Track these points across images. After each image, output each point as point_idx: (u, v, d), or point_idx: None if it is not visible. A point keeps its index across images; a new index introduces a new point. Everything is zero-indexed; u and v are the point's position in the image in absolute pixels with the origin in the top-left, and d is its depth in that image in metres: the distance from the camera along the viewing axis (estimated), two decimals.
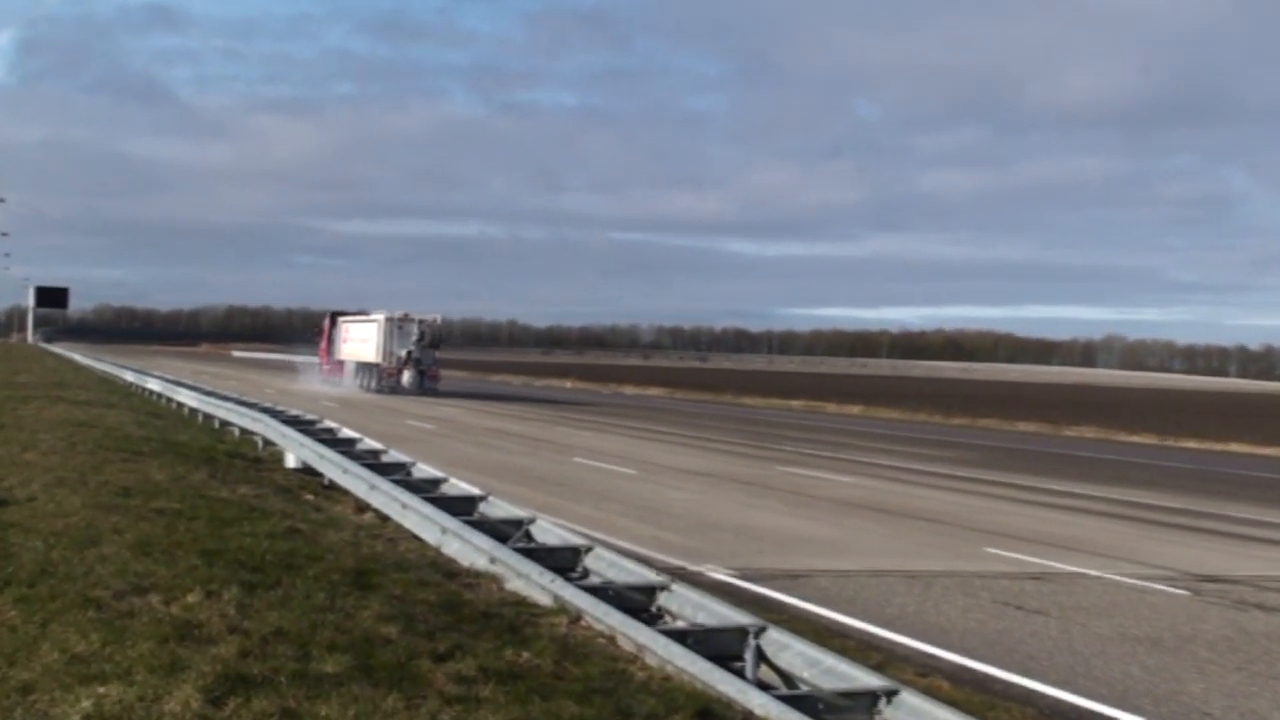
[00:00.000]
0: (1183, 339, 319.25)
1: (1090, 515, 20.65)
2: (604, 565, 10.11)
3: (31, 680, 5.98)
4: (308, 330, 77.67)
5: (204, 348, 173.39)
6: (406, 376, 56.30)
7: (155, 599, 7.66)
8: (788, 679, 7.42)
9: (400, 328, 57.22)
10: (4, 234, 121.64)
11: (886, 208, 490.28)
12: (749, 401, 68.65)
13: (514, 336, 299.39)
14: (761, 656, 7.63)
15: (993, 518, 19.18)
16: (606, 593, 8.91)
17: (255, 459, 19.19)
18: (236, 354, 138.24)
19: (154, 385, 37.16)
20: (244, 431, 22.62)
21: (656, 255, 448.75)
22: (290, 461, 18.18)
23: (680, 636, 7.70)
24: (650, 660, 7.50)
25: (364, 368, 59.18)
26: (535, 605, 8.96)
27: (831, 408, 63.20)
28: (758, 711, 6.43)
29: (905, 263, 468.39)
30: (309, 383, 62.89)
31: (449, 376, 70.15)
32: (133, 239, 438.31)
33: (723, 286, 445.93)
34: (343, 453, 16.36)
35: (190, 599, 7.67)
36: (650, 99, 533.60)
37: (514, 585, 9.54)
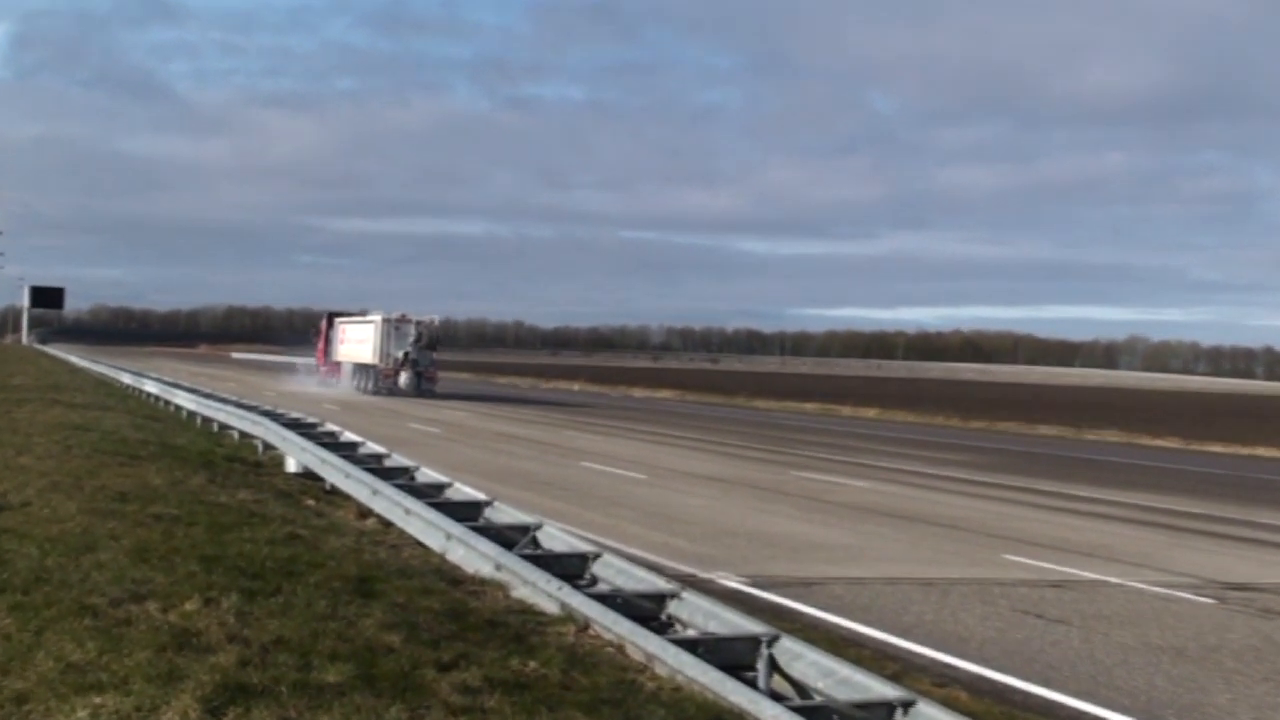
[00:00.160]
0: (1207, 340, 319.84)
1: (1113, 521, 20.60)
2: (612, 572, 10.12)
3: (26, 690, 6.00)
4: (308, 331, 77.91)
5: (202, 349, 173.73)
6: (403, 378, 56.69)
7: (153, 606, 7.68)
8: (801, 689, 7.41)
9: (397, 329, 57.62)
10: None
11: (903, 205, 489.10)
12: (761, 404, 68.62)
13: (520, 338, 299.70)
14: (774, 666, 7.62)
15: (1012, 523, 19.15)
16: (615, 600, 8.91)
17: (255, 463, 19.22)
18: (236, 356, 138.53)
19: (151, 387, 37.25)
20: (243, 435, 22.68)
21: (666, 254, 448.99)
22: (291, 466, 18.22)
23: (691, 646, 7.70)
24: (660, 670, 7.49)
25: (361, 369, 59.66)
26: (542, 613, 8.96)
27: (846, 410, 63.13)
28: None
29: (922, 261, 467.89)
30: (306, 384, 63.20)
31: (453, 379, 70.28)
32: (130, 238, 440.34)
33: (734, 286, 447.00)
34: (345, 457, 16.39)
35: (189, 606, 7.68)
36: (660, 93, 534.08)
37: (520, 593, 9.55)
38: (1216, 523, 21.47)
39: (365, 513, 14.06)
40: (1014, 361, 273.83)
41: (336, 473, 15.67)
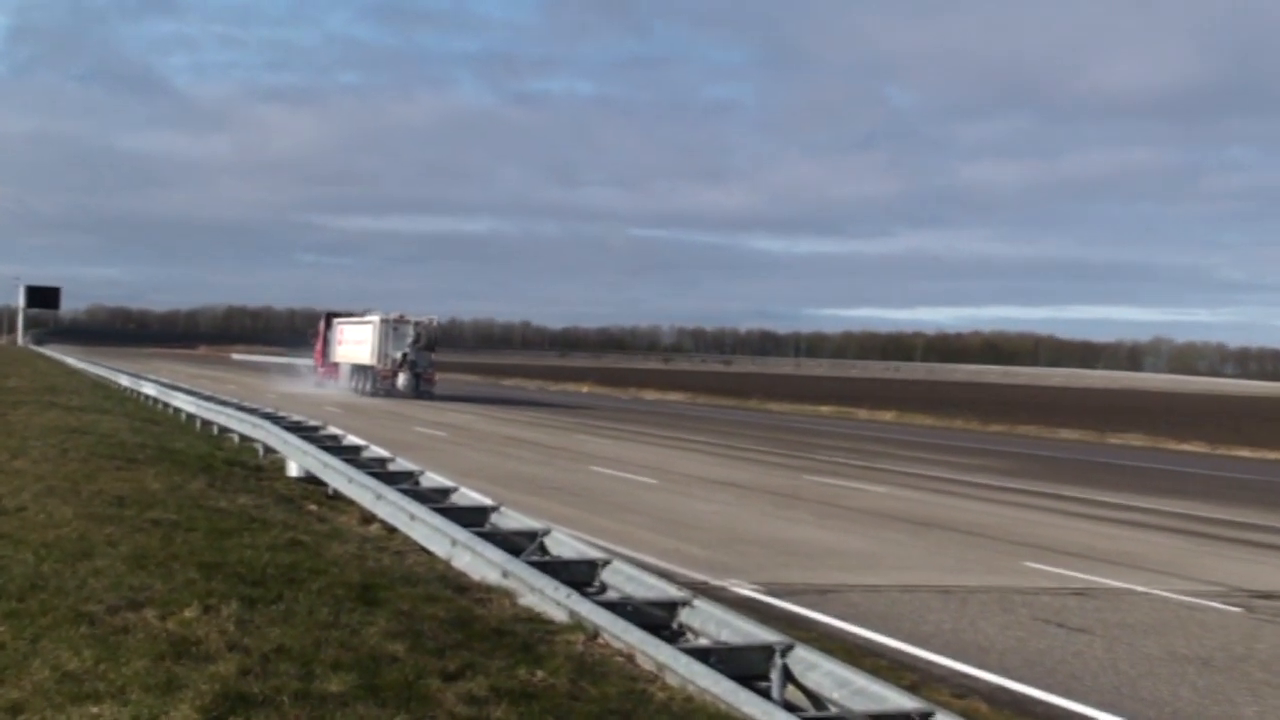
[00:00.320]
0: (1235, 341, 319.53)
1: (1137, 528, 20.56)
2: (622, 580, 10.12)
3: (21, 699, 6.01)
4: (308, 332, 78.25)
5: (202, 350, 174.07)
6: (401, 379, 57.08)
7: (151, 614, 7.70)
8: (816, 700, 7.41)
9: (395, 329, 58.00)
10: None
11: (921, 202, 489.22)
12: (776, 407, 68.60)
13: (528, 339, 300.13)
14: (788, 676, 7.62)
15: (1033, 530, 19.12)
16: (625, 608, 8.92)
17: (256, 467, 19.27)
18: (236, 357, 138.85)
19: (150, 390, 37.36)
20: (244, 438, 22.73)
21: (678, 253, 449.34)
22: (292, 470, 18.25)
23: (703, 655, 7.70)
24: (671, 680, 7.50)
25: (359, 370, 60.13)
26: (550, 621, 8.97)
27: (863, 414, 63.05)
28: None
29: (941, 260, 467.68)
30: (304, 386, 63.48)
31: (459, 381, 70.36)
32: (127, 236, 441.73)
33: (748, 286, 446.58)
34: (348, 461, 16.42)
35: (187, 614, 7.70)
36: (671, 88, 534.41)
37: (528, 600, 9.56)
38: (1244, 529, 21.42)
39: (369, 518, 14.09)
40: (1035, 363, 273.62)
41: (339, 477, 15.70)
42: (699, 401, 73.98)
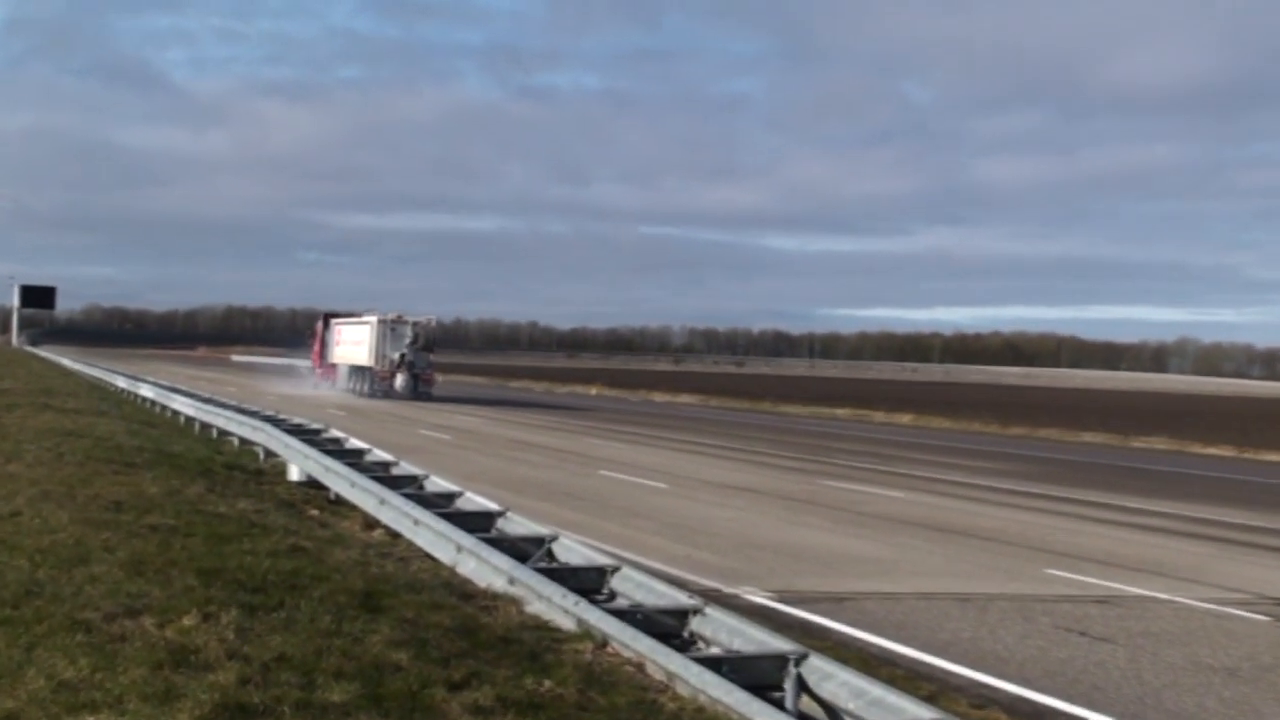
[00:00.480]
0: (1262, 342, 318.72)
1: (1161, 534, 20.53)
2: (632, 587, 10.12)
3: (16, 709, 6.03)
4: (306, 333, 78.60)
5: (201, 351, 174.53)
6: (399, 380, 57.41)
7: (149, 622, 7.72)
8: (831, 711, 7.41)
9: (393, 330, 58.38)
10: None
11: (939, 199, 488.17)
12: (789, 410, 68.60)
13: (535, 339, 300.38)
14: (803, 686, 7.61)
15: (1054, 536, 19.10)
16: (635, 616, 8.92)
17: (256, 471, 19.31)
18: (236, 358, 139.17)
19: (147, 391, 37.48)
20: (244, 441, 22.78)
21: (689, 251, 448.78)
22: (294, 474, 18.30)
23: (714, 664, 7.70)
24: (682, 690, 7.50)
25: (356, 371, 60.60)
26: (557, 630, 8.98)
27: (879, 416, 63.05)
28: None
29: (960, 259, 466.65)
30: (304, 388, 63.67)
31: (465, 382, 70.45)
32: (124, 234, 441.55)
33: (761, 285, 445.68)
34: (350, 465, 16.45)
35: (186, 622, 7.72)
36: (682, 82, 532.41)
37: (535, 608, 9.57)
38: (1272, 535, 21.37)
39: (372, 523, 14.11)
40: (1057, 365, 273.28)
41: (342, 481, 15.73)
42: (711, 404, 74.02)
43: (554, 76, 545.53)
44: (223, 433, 24.94)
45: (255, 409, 26.81)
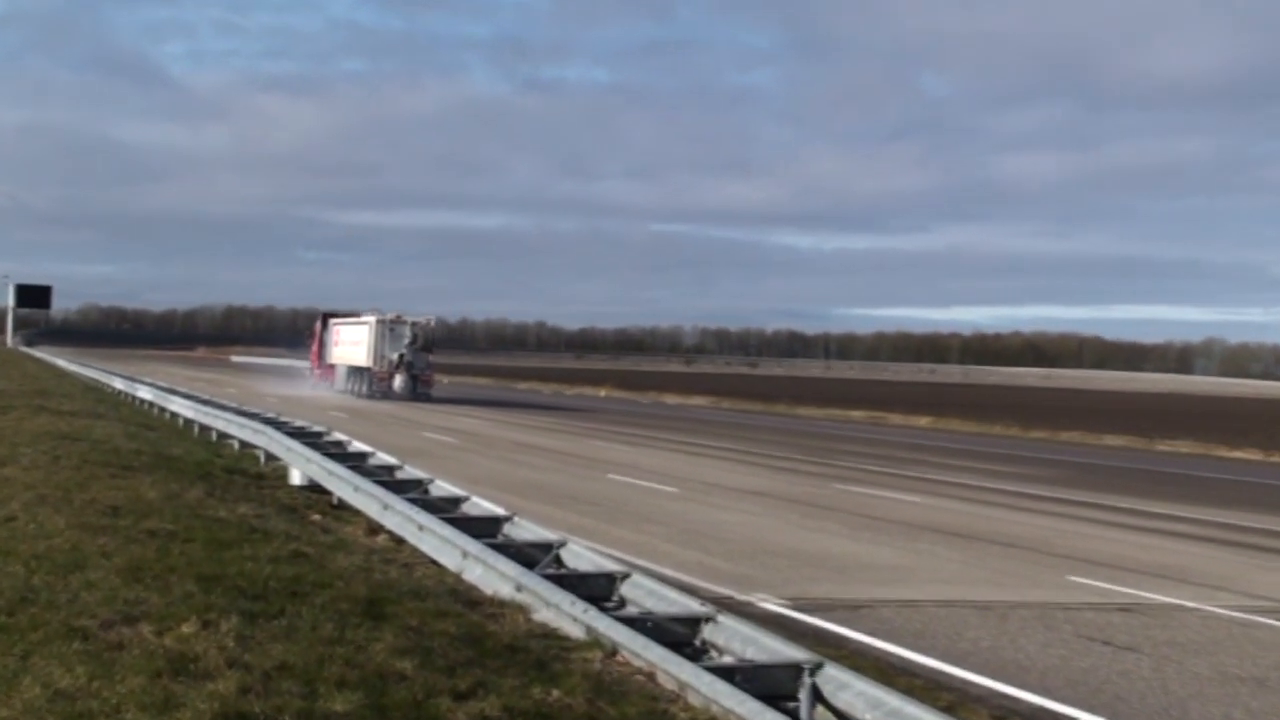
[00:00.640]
0: None
1: (1187, 540, 20.49)
2: (642, 594, 10.12)
3: (12, 718, 6.04)
4: (305, 333, 78.86)
5: (200, 352, 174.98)
6: (398, 381, 57.70)
7: (147, 629, 7.73)
8: None
9: (392, 330, 58.70)
10: None
11: (958, 195, 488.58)
12: (804, 412, 68.58)
13: (543, 340, 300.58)
14: (818, 696, 7.61)
15: (1077, 542, 19.07)
16: (645, 624, 8.93)
17: (257, 475, 19.35)
18: (235, 359, 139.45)
19: (145, 393, 37.56)
20: (244, 444, 22.83)
21: (701, 249, 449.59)
22: (295, 478, 18.32)
23: (727, 673, 7.70)
24: (693, 699, 7.50)
25: (355, 372, 60.88)
26: (566, 638, 8.98)
27: (896, 419, 63.01)
28: None
29: (979, 257, 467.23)
30: (305, 389, 63.82)
31: (470, 384, 70.50)
32: (122, 232, 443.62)
33: (774, 284, 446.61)
34: (353, 468, 16.48)
35: (185, 629, 7.73)
36: (693, 75, 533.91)
37: (542, 616, 9.57)
38: None
39: (375, 529, 14.12)
40: (1079, 365, 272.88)
41: (344, 485, 15.75)
42: (723, 406, 74.00)
43: (562, 69, 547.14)
44: (223, 435, 25.00)
45: (256, 411, 26.87)
